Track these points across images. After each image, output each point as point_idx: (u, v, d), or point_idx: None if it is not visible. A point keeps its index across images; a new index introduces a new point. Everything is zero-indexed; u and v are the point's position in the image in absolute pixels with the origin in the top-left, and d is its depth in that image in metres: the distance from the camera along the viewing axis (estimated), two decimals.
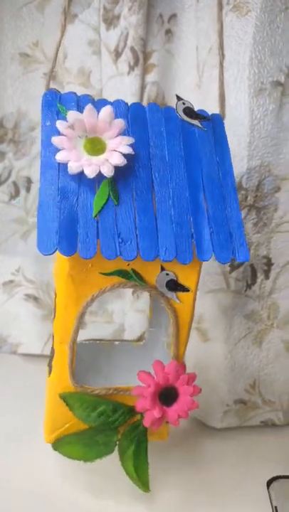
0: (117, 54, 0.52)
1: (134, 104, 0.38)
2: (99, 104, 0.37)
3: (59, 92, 0.38)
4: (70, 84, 0.56)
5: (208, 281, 0.51)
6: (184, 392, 0.38)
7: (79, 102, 0.37)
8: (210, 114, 0.39)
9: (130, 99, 0.52)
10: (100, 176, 0.33)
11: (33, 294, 0.67)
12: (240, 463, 0.50)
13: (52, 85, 0.59)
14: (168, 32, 0.53)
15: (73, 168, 0.33)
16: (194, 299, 0.38)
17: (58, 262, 0.38)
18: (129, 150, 0.34)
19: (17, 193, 0.64)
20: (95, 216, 0.33)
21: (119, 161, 0.33)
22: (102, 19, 0.52)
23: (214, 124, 0.39)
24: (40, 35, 0.58)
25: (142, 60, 0.52)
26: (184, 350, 0.40)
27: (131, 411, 0.40)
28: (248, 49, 0.44)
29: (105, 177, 0.33)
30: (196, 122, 0.38)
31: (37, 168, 0.62)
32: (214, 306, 0.51)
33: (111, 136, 0.34)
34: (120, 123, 0.35)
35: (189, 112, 0.38)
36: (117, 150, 0.34)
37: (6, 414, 0.54)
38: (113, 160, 0.33)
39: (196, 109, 0.39)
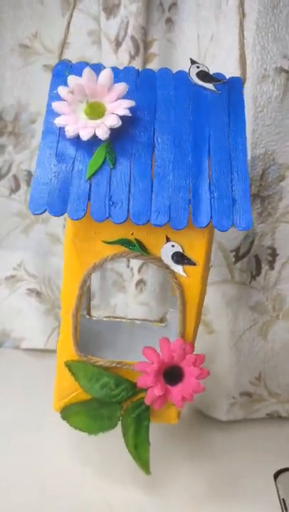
0: (118, 43, 0.51)
1: (144, 69, 0.38)
2: None
3: (70, 62, 0.38)
4: None
5: (212, 272, 0.50)
6: (190, 373, 0.37)
7: None
8: (228, 77, 0.38)
9: None
10: (97, 140, 0.33)
11: (36, 288, 0.66)
12: (247, 456, 0.49)
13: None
14: (168, 21, 0.52)
15: (70, 131, 0.33)
16: (204, 274, 0.37)
17: (66, 229, 0.38)
18: (126, 112, 0.34)
19: (17, 187, 0.64)
20: (89, 178, 0.34)
21: (114, 122, 0.33)
22: (101, 8, 0.51)
23: (231, 87, 0.37)
24: (40, 27, 0.57)
25: (142, 49, 0.51)
26: (193, 329, 0.39)
27: (134, 387, 0.39)
28: (250, 35, 0.43)
29: (103, 141, 0.34)
30: (209, 86, 0.37)
31: None
32: (219, 297, 0.51)
33: (111, 100, 0.34)
34: (120, 87, 0.34)
35: (203, 75, 0.37)
36: (114, 113, 0.34)
37: (9, 409, 0.54)
38: (108, 122, 0.33)
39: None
